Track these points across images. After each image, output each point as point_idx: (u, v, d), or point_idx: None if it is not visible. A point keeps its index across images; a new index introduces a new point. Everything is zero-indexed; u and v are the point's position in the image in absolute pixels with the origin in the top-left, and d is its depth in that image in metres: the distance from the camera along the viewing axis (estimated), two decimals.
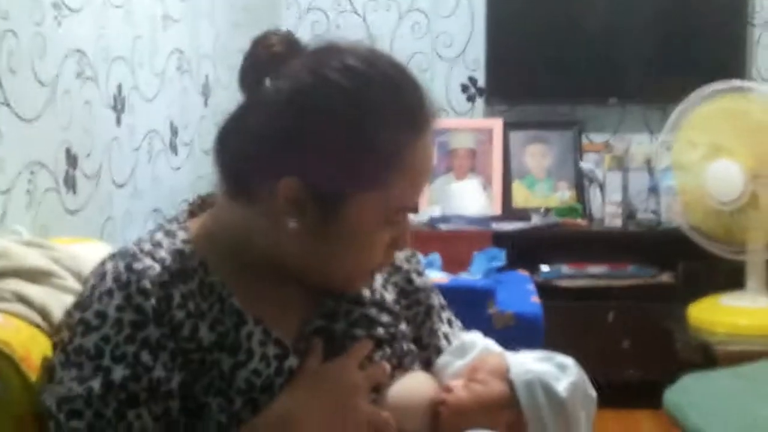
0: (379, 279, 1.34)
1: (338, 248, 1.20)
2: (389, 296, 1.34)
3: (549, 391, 1.26)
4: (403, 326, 1.33)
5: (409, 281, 1.39)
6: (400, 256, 1.38)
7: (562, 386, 1.27)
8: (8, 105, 1.76)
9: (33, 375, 1.19)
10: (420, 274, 1.41)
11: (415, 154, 1.19)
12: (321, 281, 1.25)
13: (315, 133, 1.16)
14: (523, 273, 3.30)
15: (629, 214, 3.97)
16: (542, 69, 4.11)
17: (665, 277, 3.81)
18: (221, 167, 1.23)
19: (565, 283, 3.81)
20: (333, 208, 1.17)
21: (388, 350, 1.29)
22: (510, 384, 1.27)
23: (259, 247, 1.23)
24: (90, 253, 1.46)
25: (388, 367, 1.27)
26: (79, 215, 2.09)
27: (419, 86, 1.22)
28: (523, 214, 3.97)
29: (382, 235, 1.21)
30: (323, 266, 1.23)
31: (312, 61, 1.18)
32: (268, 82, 1.18)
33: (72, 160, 2.05)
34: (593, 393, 1.32)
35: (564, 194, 4.09)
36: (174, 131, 2.76)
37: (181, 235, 1.24)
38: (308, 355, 1.23)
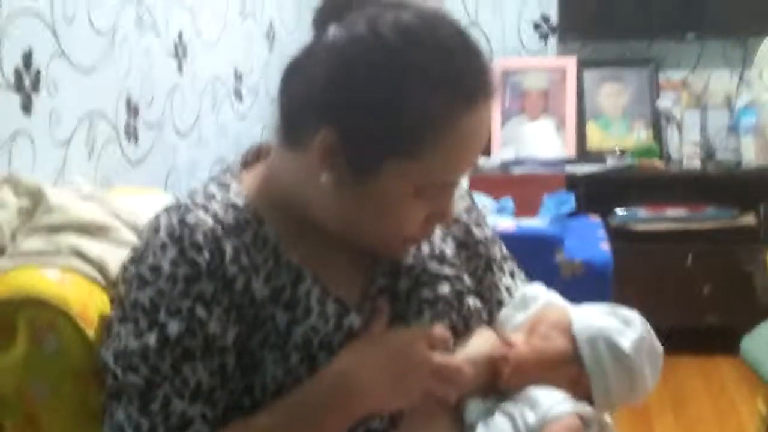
0: (438, 232, 1.30)
1: (367, 210, 1.17)
2: (449, 250, 1.31)
3: (613, 346, 1.23)
4: (466, 279, 1.30)
5: (469, 233, 1.35)
6: (458, 208, 1.33)
7: (626, 341, 1.23)
8: (64, 55, 1.74)
9: (90, 330, 1.19)
10: (479, 225, 1.37)
11: (459, 128, 1.13)
12: (357, 243, 1.21)
13: (356, 86, 1.12)
14: (593, 218, 3.23)
15: (708, 154, 3.88)
16: (617, 4, 3.99)
17: (746, 219, 3.71)
18: (280, 109, 1.20)
19: (641, 226, 3.73)
20: (364, 168, 1.13)
21: (454, 316, 1.25)
22: (572, 339, 1.24)
23: (304, 201, 1.20)
24: (150, 204, 1.45)
25: (464, 369, 1.20)
26: (142, 165, 2.09)
27: (479, 60, 1.15)
28: (598, 156, 3.89)
29: (415, 206, 1.16)
30: (354, 227, 1.19)
31: (372, 13, 1.14)
32: (333, 27, 1.14)
33: (133, 109, 2.03)
34: (659, 348, 1.28)
35: (640, 134, 3.99)
36: (238, 78, 2.73)
37: (235, 187, 1.22)
38: (374, 316, 1.20)
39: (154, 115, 2.15)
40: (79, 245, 1.28)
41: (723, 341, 3.31)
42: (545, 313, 1.28)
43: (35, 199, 1.33)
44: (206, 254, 1.13)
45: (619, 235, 3.57)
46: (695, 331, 3.66)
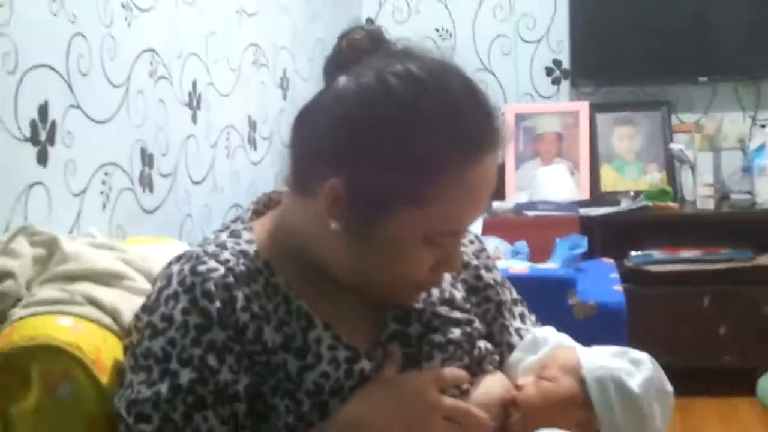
0: (447, 277, 1.30)
1: (375, 258, 1.17)
2: (458, 294, 1.31)
3: (622, 387, 1.23)
4: (477, 323, 1.30)
5: (478, 278, 1.35)
6: (468, 252, 1.34)
7: (635, 382, 1.23)
8: (79, 107, 1.77)
9: (104, 377, 1.20)
10: (489, 269, 1.37)
11: (466, 179, 1.14)
12: (367, 289, 1.22)
13: (362, 136, 1.13)
14: (607, 261, 3.23)
15: (722, 196, 3.86)
16: (628, 48, 4.00)
17: (762, 260, 3.69)
18: (290, 157, 1.22)
19: (657, 268, 3.71)
20: (370, 217, 1.14)
21: (466, 359, 1.26)
22: (581, 381, 1.24)
23: (314, 248, 1.21)
24: (164, 252, 1.46)
25: (474, 412, 1.20)
26: (157, 214, 2.10)
27: (486, 109, 1.16)
28: (612, 199, 3.89)
29: (423, 254, 1.17)
30: (363, 274, 1.20)
31: (380, 63, 1.15)
32: (343, 77, 1.16)
33: (147, 159, 2.05)
34: (669, 388, 1.28)
35: (654, 177, 3.99)
36: (252, 126, 2.76)
37: (246, 235, 1.23)
38: (385, 362, 1.20)
39: (168, 164, 2.17)
40: (93, 293, 1.29)
41: (740, 382, 3.28)
42: (554, 355, 1.28)
43: (50, 248, 1.35)
44: (218, 303, 1.13)
45: (634, 277, 3.56)
46: (713, 372, 3.64)
